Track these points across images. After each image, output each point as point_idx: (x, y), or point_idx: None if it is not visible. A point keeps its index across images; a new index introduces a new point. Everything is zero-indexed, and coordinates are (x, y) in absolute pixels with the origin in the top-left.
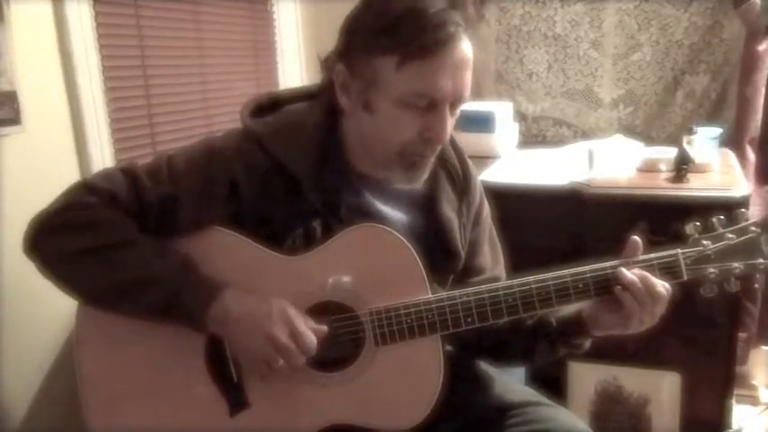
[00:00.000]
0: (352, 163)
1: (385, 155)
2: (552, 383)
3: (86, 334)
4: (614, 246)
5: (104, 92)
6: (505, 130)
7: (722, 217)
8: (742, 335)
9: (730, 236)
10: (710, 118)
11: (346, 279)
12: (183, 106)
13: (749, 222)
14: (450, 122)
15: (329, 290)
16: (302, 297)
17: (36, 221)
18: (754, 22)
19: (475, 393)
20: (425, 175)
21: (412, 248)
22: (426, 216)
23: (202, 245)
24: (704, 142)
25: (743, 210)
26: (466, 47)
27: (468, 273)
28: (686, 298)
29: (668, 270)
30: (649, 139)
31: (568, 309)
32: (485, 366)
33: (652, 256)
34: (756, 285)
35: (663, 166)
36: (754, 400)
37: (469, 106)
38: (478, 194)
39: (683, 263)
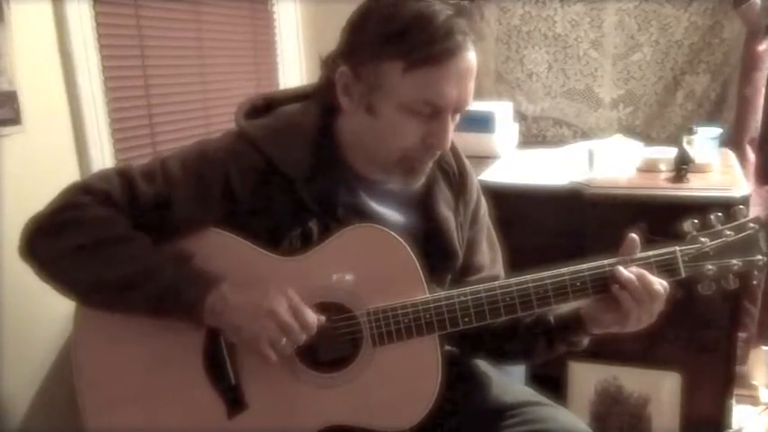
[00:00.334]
0: (348, 163)
1: (385, 159)
2: (552, 383)
3: (84, 336)
4: (614, 246)
5: (104, 92)
6: (505, 130)
7: (720, 214)
8: (742, 335)
9: (728, 233)
10: (710, 118)
11: (343, 280)
12: (183, 106)
13: (747, 219)
14: (451, 128)
15: (327, 291)
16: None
17: (31, 224)
18: (755, 22)
19: (474, 393)
20: (423, 179)
21: (409, 248)
22: (423, 215)
23: (199, 246)
24: (704, 142)
25: (741, 206)
26: (471, 56)
27: (466, 271)
28: (686, 298)
29: (666, 267)
30: (649, 139)
31: (567, 306)
32: (484, 366)
33: (650, 253)
34: (755, 282)
35: (663, 166)
36: (754, 400)
37: (469, 106)
38: (475, 193)
39: (680, 260)
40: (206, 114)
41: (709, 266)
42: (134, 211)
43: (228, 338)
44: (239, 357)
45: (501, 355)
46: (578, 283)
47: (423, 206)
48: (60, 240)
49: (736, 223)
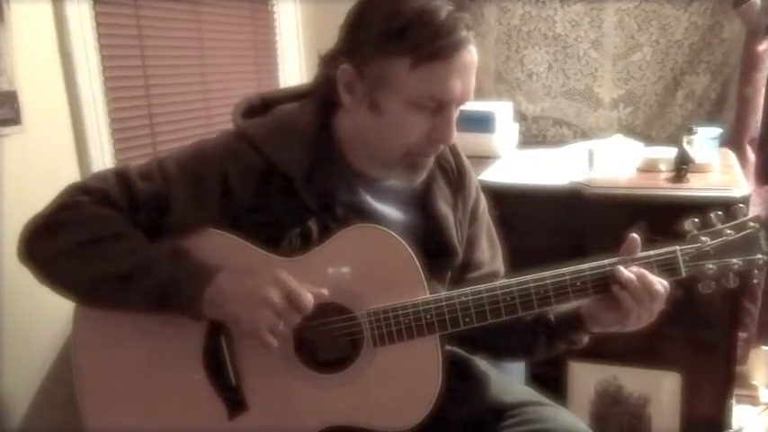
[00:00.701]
0: (347, 161)
1: (389, 155)
2: (552, 383)
3: (84, 337)
4: (614, 246)
5: (104, 92)
6: (505, 130)
7: (720, 213)
8: (742, 335)
9: (729, 232)
10: (710, 118)
11: (344, 280)
12: (184, 106)
13: (748, 218)
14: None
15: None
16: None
17: (29, 226)
18: (755, 22)
19: (474, 393)
20: (424, 175)
21: (409, 248)
22: (422, 213)
23: (197, 246)
24: (704, 142)
25: (741, 205)
26: (473, 50)
27: (466, 268)
28: (686, 297)
29: (666, 267)
30: (649, 139)
31: (567, 305)
32: (484, 366)
33: (650, 253)
34: (755, 281)
35: (663, 166)
36: (754, 400)
37: (469, 106)
38: (474, 190)
39: (681, 260)
40: (206, 114)
41: (710, 266)
42: (132, 210)
43: (230, 328)
44: (240, 358)
45: (500, 353)
46: (579, 283)
47: (422, 203)
48: (58, 239)
49: (736, 222)
